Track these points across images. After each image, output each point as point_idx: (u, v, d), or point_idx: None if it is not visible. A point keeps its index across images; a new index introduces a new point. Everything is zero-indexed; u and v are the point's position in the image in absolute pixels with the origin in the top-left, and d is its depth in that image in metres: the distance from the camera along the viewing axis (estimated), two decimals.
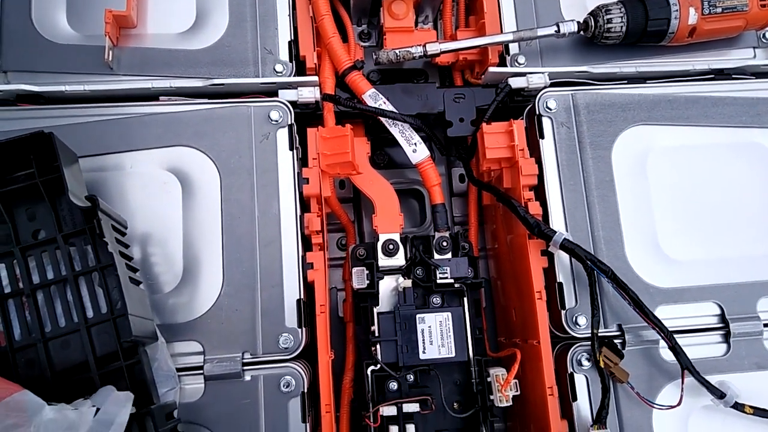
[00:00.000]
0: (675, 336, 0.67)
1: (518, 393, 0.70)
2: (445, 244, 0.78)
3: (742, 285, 0.73)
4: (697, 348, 0.71)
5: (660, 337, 0.67)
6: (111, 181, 0.70)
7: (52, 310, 0.58)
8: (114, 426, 0.47)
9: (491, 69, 0.82)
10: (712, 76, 0.83)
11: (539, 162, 0.75)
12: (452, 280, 0.76)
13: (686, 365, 0.66)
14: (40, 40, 0.75)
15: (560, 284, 0.72)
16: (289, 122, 0.74)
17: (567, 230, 0.73)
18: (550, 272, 0.73)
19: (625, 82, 0.82)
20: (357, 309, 0.83)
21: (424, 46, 0.81)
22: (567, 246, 0.69)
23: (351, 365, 0.85)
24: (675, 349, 0.66)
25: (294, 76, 0.78)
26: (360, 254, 0.80)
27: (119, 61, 0.77)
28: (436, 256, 0.78)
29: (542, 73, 0.80)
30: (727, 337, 0.72)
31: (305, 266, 0.70)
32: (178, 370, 0.65)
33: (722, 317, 0.72)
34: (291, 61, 0.78)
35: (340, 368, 0.84)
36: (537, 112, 0.76)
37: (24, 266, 0.59)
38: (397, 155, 0.95)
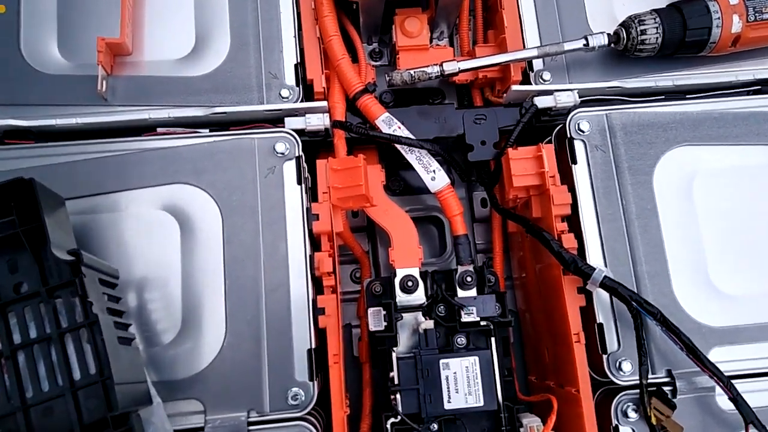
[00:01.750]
0: (733, 382, 0.59)
1: None
2: (469, 279, 0.71)
3: None
4: (758, 395, 0.63)
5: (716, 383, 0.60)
6: (105, 224, 0.64)
7: (34, 373, 0.52)
8: None
9: (514, 87, 0.76)
10: (759, 87, 0.75)
11: (572, 190, 0.68)
12: (478, 319, 0.69)
13: (751, 419, 0.58)
14: (29, 71, 0.70)
15: (600, 325, 0.65)
16: (297, 154, 0.68)
17: (606, 265, 0.66)
18: (588, 311, 0.66)
19: (662, 97, 0.75)
20: (374, 351, 0.77)
21: (441, 65, 0.74)
22: (608, 285, 0.62)
23: (368, 410, 0.78)
24: (736, 400, 0.58)
25: (301, 101, 0.73)
26: (376, 290, 0.74)
27: (114, 91, 0.72)
28: (460, 293, 0.71)
29: (571, 90, 0.74)
30: None
31: (316, 311, 0.64)
32: None
33: None
34: (298, 85, 0.73)
35: (356, 413, 0.78)
36: (568, 135, 0.69)
37: (3, 324, 0.53)
38: (414, 179, 0.88)
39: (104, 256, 0.63)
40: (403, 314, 0.71)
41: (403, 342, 0.70)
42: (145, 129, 0.71)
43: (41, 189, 0.53)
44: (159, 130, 0.72)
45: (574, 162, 0.69)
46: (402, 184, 0.87)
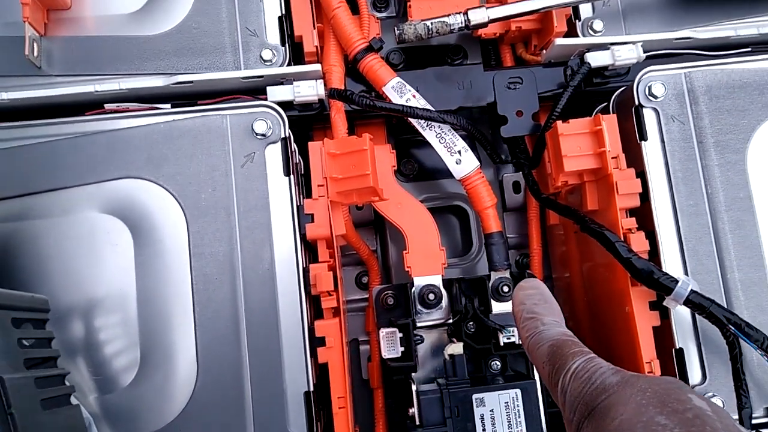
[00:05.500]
0: None
1: None
2: (506, 289, 0.58)
3: None
4: None
5: None
6: (32, 234, 0.49)
7: None
8: None
9: (558, 41, 0.60)
10: None
11: (641, 174, 0.52)
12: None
13: None
14: None
15: (680, 351, 0.50)
16: (282, 135, 0.52)
17: (687, 273, 0.51)
18: (662, 332, 0.51)
19: (748, 50, 0.59)
20: (387, 378, 0.63)
21: (466, 13, 0.59)
22: (696, 302, 0.47)
23: None
24: None
25: (288, 65, 0.58)
26: (388, 302, 0.61)
27: (49, 57, 0.57)
28: (495, 306, 0.58)
29: (634, 43, 0.58)
30: None
31: (314, 341, 0.50)
32: None
33: None
34: (283, 44, 0.58)
35: None
36: (636, 102, 0.53)
37: None
38: (428, 159, 0.72)
39: (33, 277, 0.48)
40: (424, 334, 0.58)
41: (424, 366, 0.59)
42: (89, 106, 0.56)
43: None
44: (107, 106, 0.56)
45: (644, 138, 0.53)
46: (416, 167, 0.71)
